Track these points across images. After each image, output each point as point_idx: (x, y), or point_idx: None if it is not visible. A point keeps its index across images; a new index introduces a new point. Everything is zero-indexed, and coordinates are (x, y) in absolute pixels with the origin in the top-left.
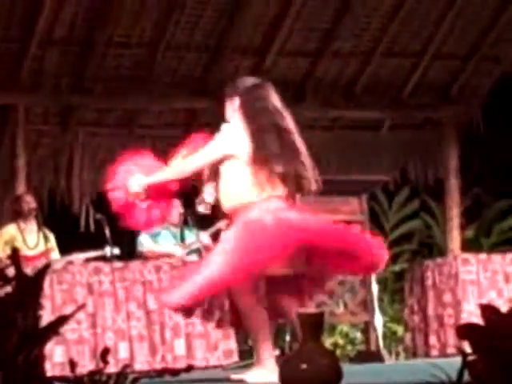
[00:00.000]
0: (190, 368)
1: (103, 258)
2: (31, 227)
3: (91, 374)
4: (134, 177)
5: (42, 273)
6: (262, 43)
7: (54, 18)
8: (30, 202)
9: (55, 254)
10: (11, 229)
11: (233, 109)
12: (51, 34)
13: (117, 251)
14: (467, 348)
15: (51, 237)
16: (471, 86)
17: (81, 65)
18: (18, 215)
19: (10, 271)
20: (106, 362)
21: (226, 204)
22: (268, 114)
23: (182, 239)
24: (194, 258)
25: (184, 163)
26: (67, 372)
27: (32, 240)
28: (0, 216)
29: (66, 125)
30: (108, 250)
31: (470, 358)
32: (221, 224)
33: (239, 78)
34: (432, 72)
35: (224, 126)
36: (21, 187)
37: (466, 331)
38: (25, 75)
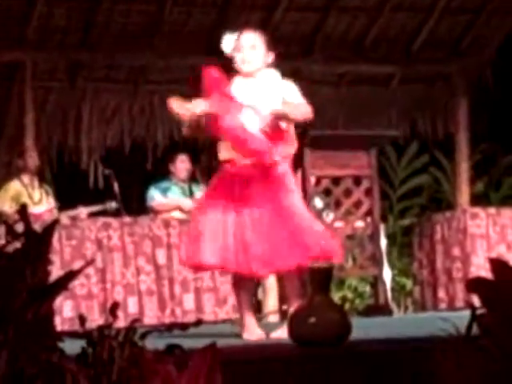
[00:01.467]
0: (199, 322)
1: (109, 213)
2: (34, 183)
3: (100, 328)
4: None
5: (50, 228)
6: None
7: None
8: (33, 157)
9: (54, 210)
10: (16, 184)
11: (267, 62)
12: None
13: (115, 205)
14: (476, 302)
15: (51, 193)
16: (481, 40)
17: (88, 21)
18: (21, 170)
19: (18, 226)
20: (115, 317)
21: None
22: None
23: (191, 194)
24: None
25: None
26: (77, 327)
27: (36, 195)
28: (9, 173)
29: (74, 81)
30: (108, 204)
31: (479, 311)
32: None
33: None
34: (442, 26)
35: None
36: (29, 144)
37: (475, 285)
38: (32, 32)
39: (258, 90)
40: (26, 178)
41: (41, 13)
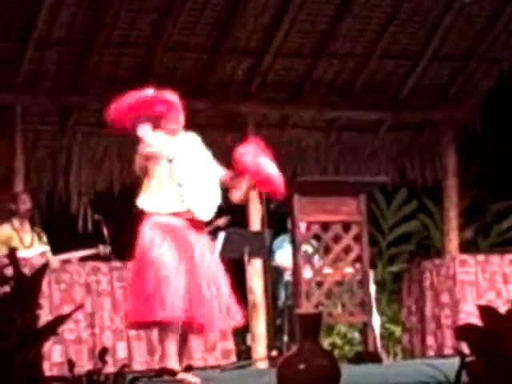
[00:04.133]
0: (188, 368)
1: (99, 257)
2: (25, 226)
3: (90, 373)
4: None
5: (40, 272)
6: (260, 44)
7: (51, 19)
8: (26, 201)
9: (48, 253)
10: (6, 229)
11: None
12: (49, 35)
13: (108, 249)
14: (465, 349)
15: (44, 236)
16: (469, 87)
17: (78, 65)
18: (13, 214)
19: (8, 270)
20: (104, 362)
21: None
22: None
23: None
24: None
25: None
26: (65, 372)
27: (27, 239)
28: None
29: (64, 125)
30: (101, 248)
31: (469, 358)
32: (220, 221)
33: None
34: (430, 73)
35: None
36: (19, 188)
37: (464, 332)
38: (22, 76)
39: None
40: (16, 222)
41: (32, 57)
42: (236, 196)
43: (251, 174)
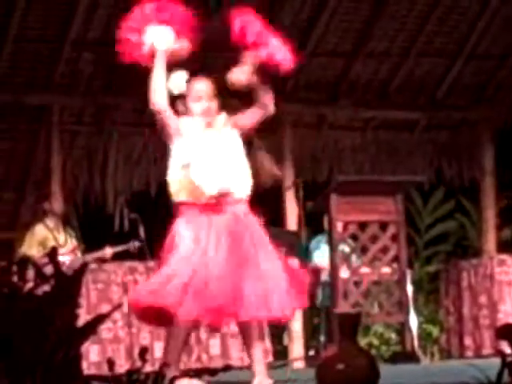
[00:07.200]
0: (227, 368)
1: (133, 254)
2: (59, 226)
3: (129, 373)
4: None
5: (80, 271)
6: (297, 43)
7: (87, 20)
8: (59, 201)
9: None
10: (41, 229)
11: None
12: (85, 36)
13: (138, 244)
14: (506, 348)
15: (74, 235)
16: (506, 86)
17: (114, 65)
18: (47, 214)
19: (47, 270)
20: (144, 361)
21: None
22: None
23: None
24: None
25: None
26: (103, 371)
27: (62, 239)
28: (35, 216)
29: (101, 125)
30: (131, 244)
31: (510, 358)
32: None
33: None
34: (467, 72)
35: None
36: (55, 188)
37: (505, 332)
38: (59, 76)
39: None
40: (50, 222)
41: (68, 57)
42: (237, 77)
43: (256, 45)
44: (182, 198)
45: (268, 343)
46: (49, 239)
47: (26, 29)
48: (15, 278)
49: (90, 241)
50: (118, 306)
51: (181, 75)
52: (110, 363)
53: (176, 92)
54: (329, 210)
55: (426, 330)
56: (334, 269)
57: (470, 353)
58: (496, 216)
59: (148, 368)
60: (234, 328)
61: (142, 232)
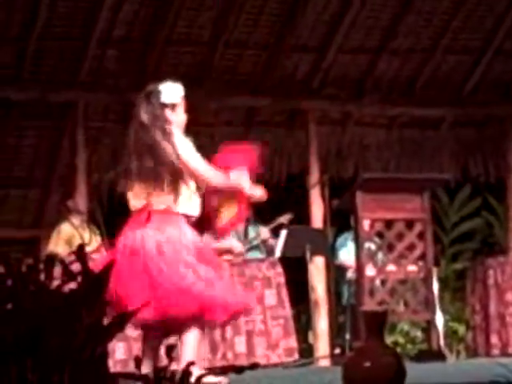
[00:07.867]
0: (254, 366)
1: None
2: (84, 224)
3: (157, 370)
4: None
5: (107, 269)
6: (322, 40)
7: (113, 18)
8: (84, 199)
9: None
10: (67, 228)
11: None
12: (110, 33)
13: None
14: None
15: (97, 232)
16: None
17: (140, 63)
18: (72, 211)
19: (75, 267)
20: (171, 359)
21: None
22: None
23: (246, 235)
24: (255, 254)
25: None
26: (129, 369)
27: (87, 236)
28: (60, 213)
29: (126, 122)
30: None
31: None
32: (282, 219)
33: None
34: (494, 68)
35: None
36: (81, 184)
37: None
38: (85, 73)
39: None
40: (75, 220)
41: (94, 54)
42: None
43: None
44: None
45: (294, 341)
46: (75, 237)
47: (51, 26)
48: (42, 276)
49: (114, 238)
50: (145, 304)
51: (177, 87)
52: (137, 361)
53: (168, 101)
54: (355, 208)
55: (452, 328)
56: (359, 267)
57: (496, 351)
58: None
59: (174, 366)
60: (259, 326)
61: None
